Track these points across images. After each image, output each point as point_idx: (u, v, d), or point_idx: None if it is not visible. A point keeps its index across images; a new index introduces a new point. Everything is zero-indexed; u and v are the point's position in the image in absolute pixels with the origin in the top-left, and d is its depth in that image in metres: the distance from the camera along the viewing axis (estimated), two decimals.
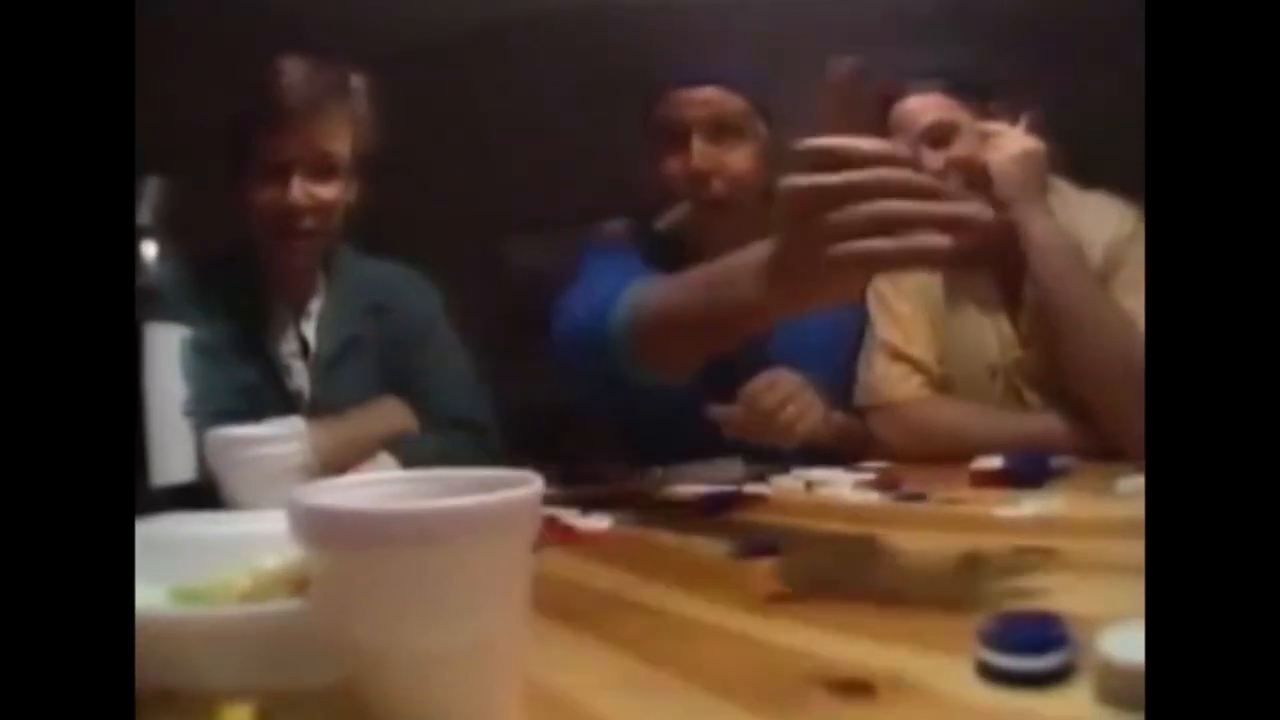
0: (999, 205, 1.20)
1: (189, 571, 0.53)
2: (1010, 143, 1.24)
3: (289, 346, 1.22)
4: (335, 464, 1.02)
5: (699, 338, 0.79)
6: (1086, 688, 0.40)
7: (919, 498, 0.95)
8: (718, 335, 0.77)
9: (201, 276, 1.15)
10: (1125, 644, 0.39)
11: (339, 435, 1.07)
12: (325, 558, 0.38)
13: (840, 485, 1.05)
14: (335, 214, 1.19)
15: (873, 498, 0.98)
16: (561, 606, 0.60)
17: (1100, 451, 1.10)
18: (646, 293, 0.84)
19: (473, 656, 0.38)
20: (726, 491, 1.01)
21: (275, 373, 1.20)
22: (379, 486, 0.44)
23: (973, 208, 0.61)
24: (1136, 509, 0.72)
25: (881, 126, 1.31)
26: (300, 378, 1.21)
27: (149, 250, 0.84)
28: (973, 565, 0.66)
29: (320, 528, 0.37)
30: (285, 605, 0.46)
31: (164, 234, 0.84)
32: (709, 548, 0.77)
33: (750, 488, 1.05)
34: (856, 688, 0.43)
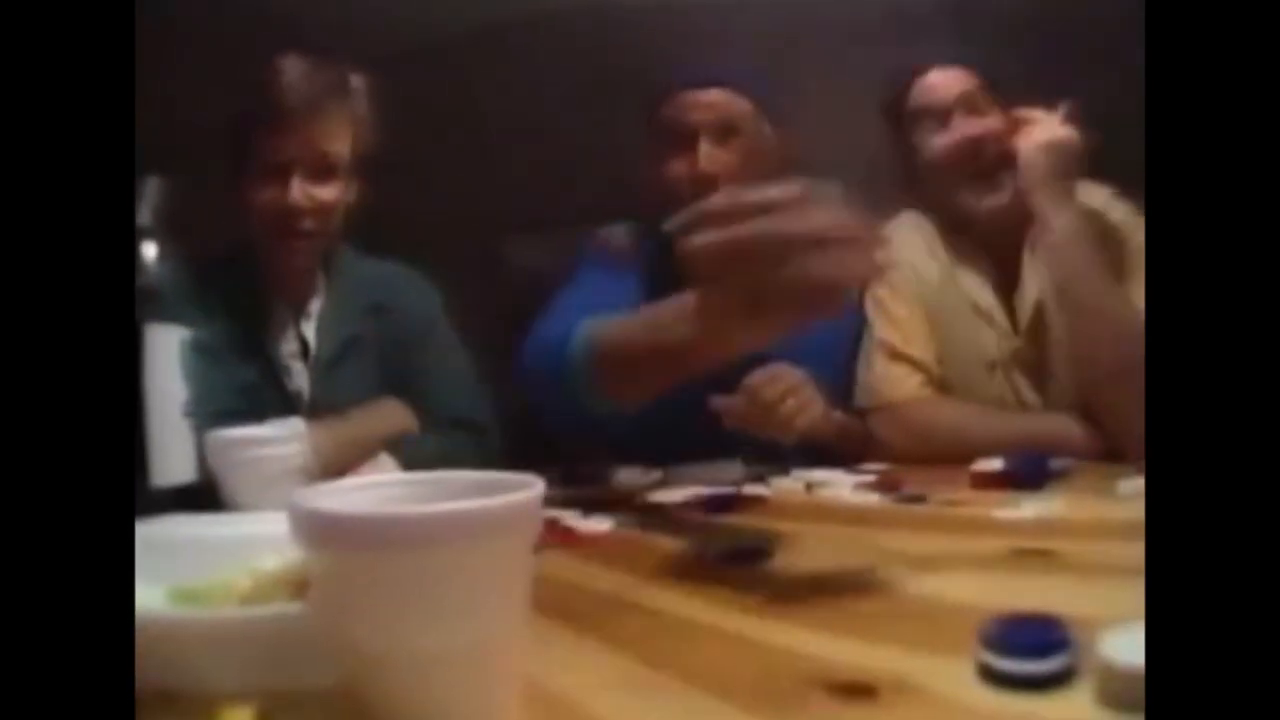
0: (1021, 190, 1.20)
1: (189, 572, 0.53)
2: (1042, 130, 1.20)
3: (289, 347, 1.22)
4: (335, 465, 1.02)
5: (648, 373, 0.83)
6: (1088, 690, 0.40)
7: (919, 499, 0.95)
8: (664, 371, 0.81)
9: (201, 276, 1.15)
10: (1126, 647, 0.39)
11: (339, 436, 1.07)
12: (326, 560, 0.38)
13: (840, 487, 1.05)
14: (335, 214, 1.18)
15: (873, 499, 0.98)
16: (562, 607, 0.60)
17: (1101, 452, 1.10)
18: (599, 330, 0.88)
19: (473, 658, 0.38)
20: (727, 493, 1.01)
21: (275, 373, 1.20)
22: (379, 489, 0.44)
23: (859, 249, 0.63)
24: (1137, 510, 0.72)
25: (900, 108, 1.31)
26: (300, 378, 1.21)
27: (149, 250, 0.83)
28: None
29: (321, 531, 0.37)
30: (285, 607, 0.46)
31: (164, 234, 0.84)
32: (708, 549, 0.77)
33: (750, 489, 1.05)
34: (857, 690, 0.43)
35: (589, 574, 0.71)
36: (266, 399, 1.16)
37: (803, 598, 0.60)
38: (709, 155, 1.26)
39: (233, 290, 1.19)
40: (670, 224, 1.24)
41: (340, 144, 1.15)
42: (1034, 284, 1.27)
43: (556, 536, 0.83)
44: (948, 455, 1.14)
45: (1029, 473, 0.98)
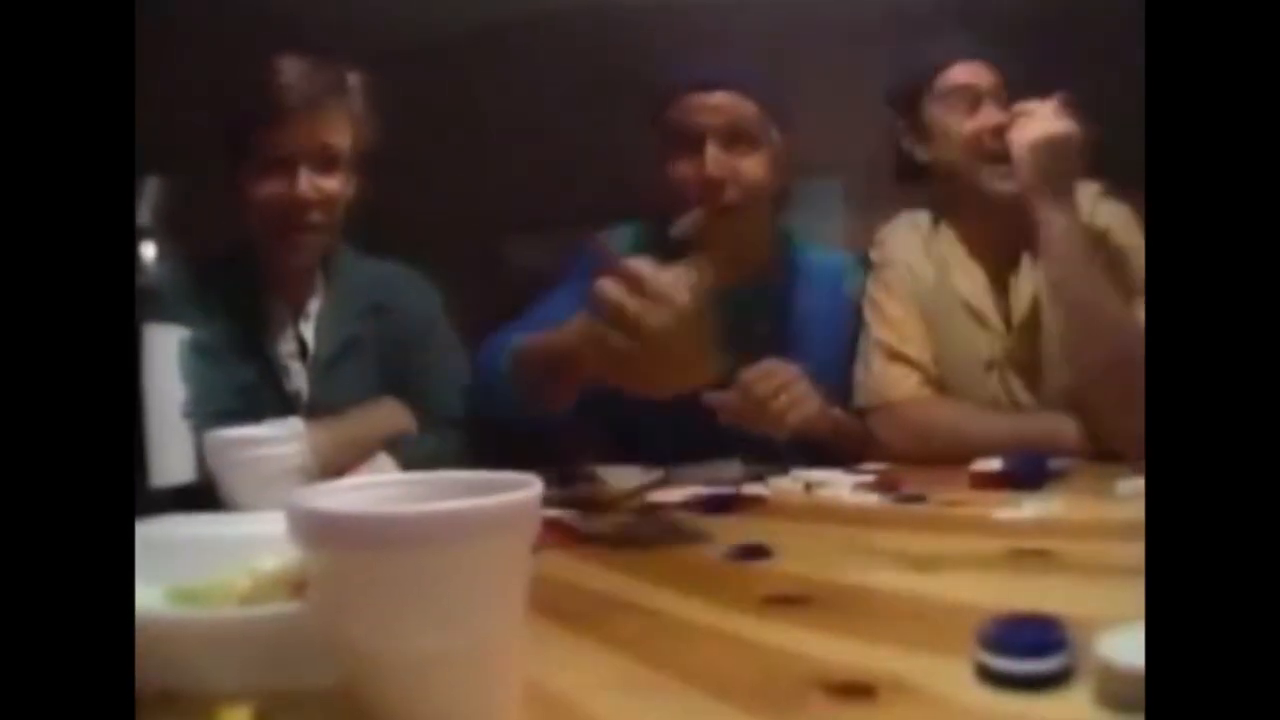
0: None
1: (188, 572, 0.53)
2: (1033, 126, 1.17)
3: (288, 347, 1.22)
4: (334, 465, 1.02)
5: (555, 383, 0.97)
6: (1086, 691, 0.40)
7: (918, 499, 0.95)
8: (561, 381, 0.96)
9: (200, 276, 1.15)
10: (1124, 647, 0.39)
11: (338, 436, 1.07)
12: (323, 560, 0.38)
13: (839, 487, 1.05)
14: (339, 207, 1.19)
15: (872, 499, 0.98)
16: (560, 608, 0.60)
17: (1099, 452, 1.10)
18: (517, 348, 1.04)
19: (471, 658, 0.38)
20: (726, 493, 1.01)
21: (274, 373, 1.20)
22: (377, 489, 0.44)
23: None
24: (1136, 511, 0.72)
25: (918, 95, 1.32)
26: (299, 378, 1.21)
27: (147, 250, 0.83)
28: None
29: (319, 530, 0.37)
30: (284, 607, 0.46)
31: (162, 234, 0.84)
32: (705, 550, 0.77)
33: (749, 489, 1.05)
34: (855, 690, 0.43)
35: (587, 574, 0.71)
36: (265, 399, 1.16)
37: (801, 598, 0.60)
38: (716, 159, 1.26)
39: (231, 290, 1.19)
40: (676, 229, 1.25)
41: (341, 137, 1.16)
42: (1028, 284, 1.27)
43: (555, 537, 0.83)
44: (946, 454, 1.14)
45: (1028, 473, 0.98)
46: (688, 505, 0.98)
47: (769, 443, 1.18)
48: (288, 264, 1.20)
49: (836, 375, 1.34)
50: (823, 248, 1.52)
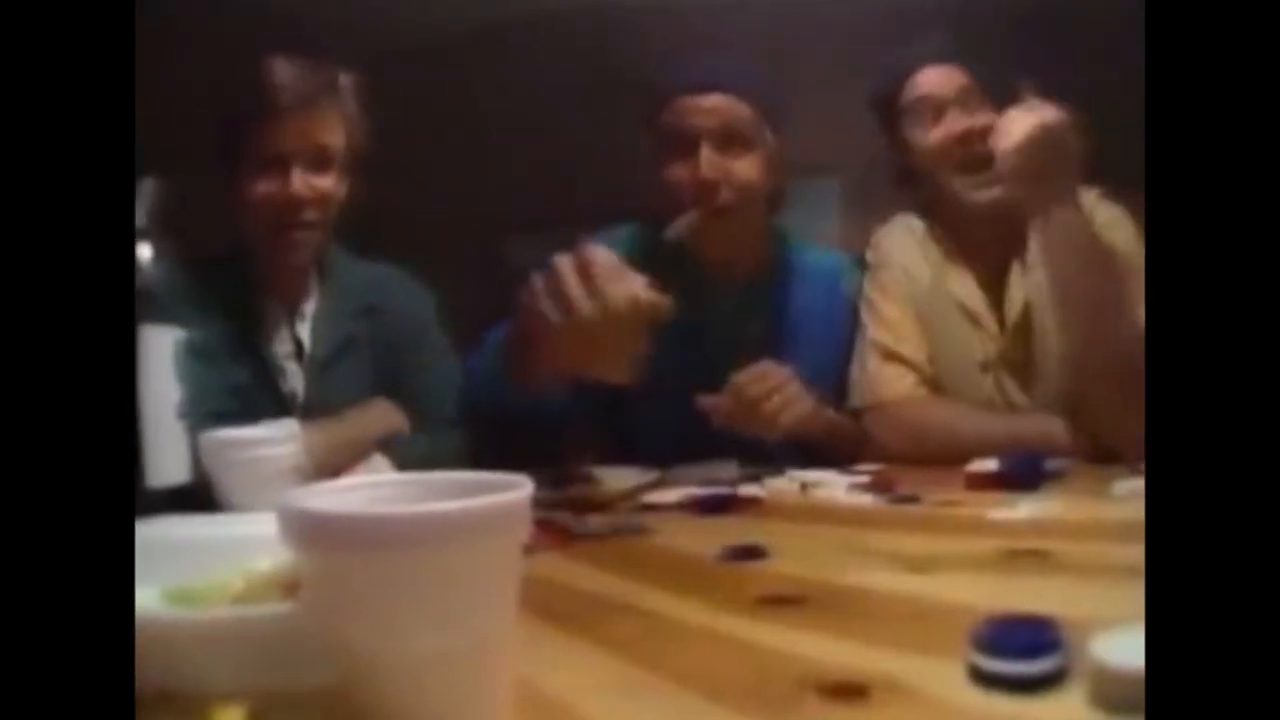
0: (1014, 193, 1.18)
1: (183, 573, 0.53)
2: (1013, 128, 1.12)
3: (283, 348, 1.22)
4: (329, 465, 1.02)
5: (528, 363, 0.99)
6: (1079, 693, 0.40)
7: (913, 500, 0.95)
8: (533, 361, 0.98)
9: (195, 277, 1.15)
10: (1119, 648, 0.39)
11: (333, 437, 1.07)
12: (315, 561, 0.38)
13: (835, 487, 1.05)
14: (333, 206, 1.19)
15: (867, 500, 0.98)
16: (554, 609, 0.60)
17: (1095, 452, 1.10)
18: (503, 335, 1.07)
19: (464, 658, 0.38)
20: (721, 494, 1.01)
21: (269, 373, 1.20)
22: (370, 490, 0.44)
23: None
24: (1133, 511, 0.72)
25: (893, 104, 1.31)
26: (294, 379, 1.21)
27: (143, 251, 0.83)
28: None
29: (309, 531, 0.37)
30: (278, 608, 0.46)
31: (158, 235, 0.84)
32: (700, 551, 0.77)
33: (745, 490, 1.05)
34: (849, 691, 0.43)
35: (582, 575, 0.71)
36: (260, 400, 1.16)
37: (796, 599, 0.60)
38: (710, 161, 1.26)
39: (226, 291, 1.20)
40: (671, 230, 1.25)
41: (334, 137, 1.16)
42: (1019, 288, 1.27)
43: (550, 538, 0.83)
44: (941, 454, 1.14)
45: (1024, 473, 0.98)
46: (683, 506, 0.98)
47: (764, 444, 1.18)
48: (283, 263, 1.21)
49: (833, 375, 1.34)
50: (819, 248, 1.52)
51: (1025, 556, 0.68)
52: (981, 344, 1.30)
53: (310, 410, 1.16)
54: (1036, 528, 0.78)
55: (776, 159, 1.33)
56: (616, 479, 1.16)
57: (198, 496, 0.89)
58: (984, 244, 1.30)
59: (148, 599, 0.50)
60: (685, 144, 1.27)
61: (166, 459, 0.84)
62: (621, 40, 2.84)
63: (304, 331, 1.23)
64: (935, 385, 1.31)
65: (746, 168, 1.29)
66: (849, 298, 1.39)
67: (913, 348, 1.31)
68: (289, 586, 0.48)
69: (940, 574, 0.65)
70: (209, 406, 0.98)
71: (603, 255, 0.89)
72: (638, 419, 1.35)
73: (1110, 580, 0.59)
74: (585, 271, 0.88)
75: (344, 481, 0.48)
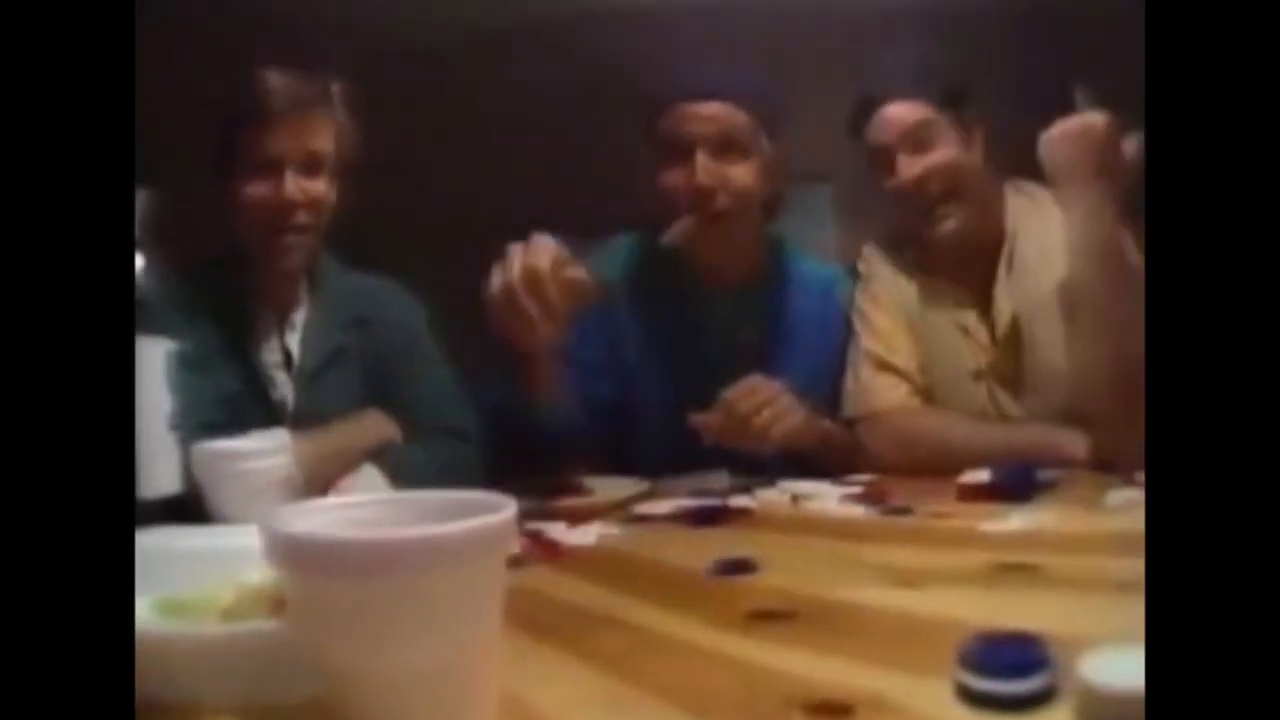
0: (977, 212, 1.22)
1: (175, 583, 0.53)
2: (1063, 129, 1.13)
3: (273, 357, 1.22)
4: (320, 476, 1.02)
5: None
6: (1067, 712, 0.40)
7: (905, 511, 0.95)
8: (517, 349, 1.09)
9: (185, 285, 1.15)
10: (1107, 668, 0.39)
11: (323, 448, 1.07)
12: (297, 583, 0.38)
13: (826, 499, 1.04)
14: (325, 211, 1.19)
15: (859, 512, 0.98)
16: (542, 623, 0.60)
17: (1087, 462, 1.10)
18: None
19: (447, 676, 0.38)
20: (712, 505, 1.00)
21: (259, 383, 1.19)
22: (354, 509, 0.44)
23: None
24: (1126, 523, 0.72)
25: (859, 135, 1.31)
26: (284, 389, 1.21)
27: (136, 260, 0.83)
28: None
29: (292, 554, 0.37)
30: (265, 624, 0.46)
31: (148, 243, 0.84)
32: (690, 564, 0.76)
33: (736, 501, 1.05)
34: (835, 709, 0.43)
35: (571, 588, 0.71)
36: (250, 409, 1.15)
37: (786, 614, 0.60)
38: (706, 168, 1.26)
39: (216, 299, 1.19)
40: (667, 237, 1.25)
41: (325, 143, 1.16)
42: (1008, 298, 1.27)
43: (539, 550, 0.82)
44: (933, 464, 1.14)
45: (1016, 484, 0.97)
46: (675, 517, 0.98)
47: (757, 454, 1.18)
48: (275, 268, 1.20)
49: (828, 383, 1.34)
50: (815, 259, 1.52)
51: (1016, 571, 0.67)
52: (973, 354, 1.29)
53: (300, 420, 1.15)
54: (1028, 540, 0.78)
55: (773, 166, 1.33)
56: (609, 489, 1.16)
57: (189, 507, 0.89)
58: (962, 263, 1.30)
59: (140, 609, 0.50)
60: (682, 150, 1.28)
61: (158, 469, 0.83)
62: (619, 46, 2.85)
63: (294, 341, 1.23)
64: (928, 395, 1.31)
65: (742, 174, 1.29)
66: (843, 307, 1.39)
67: (905, 358, 1.31)
68: (277, 601, 0.48)
69: (931, 589, 0.65)
70: (200, 417, 0.97)
71: (544, 239, 1.05)
72: (636, 425, 1.35)
73: (1102, 595, 0.59)
74: (527, 250, 1.04)
75: (330, 500, 0.47)
